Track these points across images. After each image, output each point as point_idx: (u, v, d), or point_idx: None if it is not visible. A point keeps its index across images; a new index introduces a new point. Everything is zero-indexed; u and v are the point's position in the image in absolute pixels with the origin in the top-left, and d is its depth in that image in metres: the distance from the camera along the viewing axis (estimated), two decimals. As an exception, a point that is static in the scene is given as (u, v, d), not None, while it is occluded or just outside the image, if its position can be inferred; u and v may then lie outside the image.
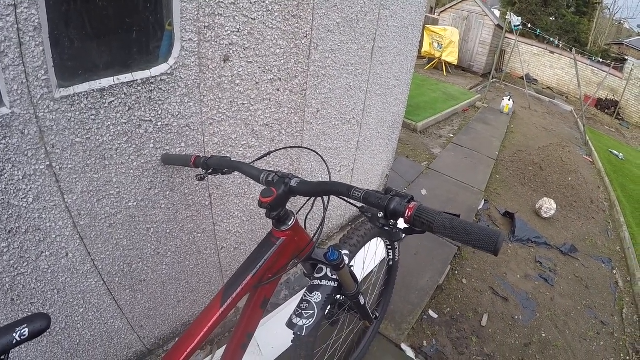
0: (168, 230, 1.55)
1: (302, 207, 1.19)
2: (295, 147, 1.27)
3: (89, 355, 1.54)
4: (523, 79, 10.85)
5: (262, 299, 1.12)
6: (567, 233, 3.91)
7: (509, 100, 7.65)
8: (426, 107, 6.33)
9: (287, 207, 1.06)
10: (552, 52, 13.55)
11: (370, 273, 2.23)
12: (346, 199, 0.89)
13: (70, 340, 1.45)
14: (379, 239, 1.73)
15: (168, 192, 1.47)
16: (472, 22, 11.98)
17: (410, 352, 2.15)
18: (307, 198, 1.08)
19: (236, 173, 1.67)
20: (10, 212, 1.09)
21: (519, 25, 9.71)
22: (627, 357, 2.59)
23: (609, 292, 3.21)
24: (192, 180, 1.53)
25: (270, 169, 1.06)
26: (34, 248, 1.19)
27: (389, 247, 1.82)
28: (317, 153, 1.21)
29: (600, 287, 3.23)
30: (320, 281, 1.20)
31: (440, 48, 10.76)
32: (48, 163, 1.12)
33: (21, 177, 1.07)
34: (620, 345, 2.66)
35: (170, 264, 1.64)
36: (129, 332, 1.66)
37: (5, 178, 1.04)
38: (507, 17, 9.43)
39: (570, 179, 4.92)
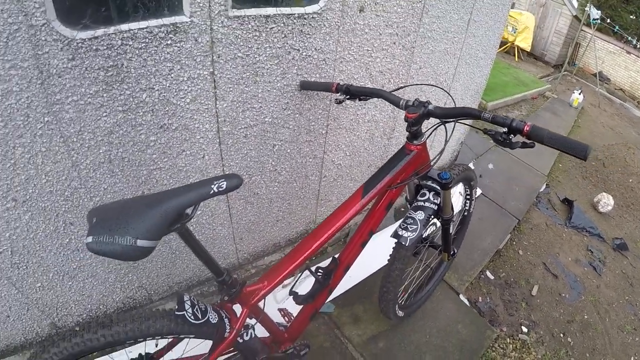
0: (288, 150, 1.76)
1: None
2: (426, 84, 1.53)
3: (189, 259, 1.74)
4: (595, 76, 10.37)
5: (388, 201, 1.34)
6: (620, 231, 3.90)
7: (580, 94, 7.42)
8: (496, 88, 6.26)
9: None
10: (628, 53, 12.73)
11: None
12: (476, 120, 1.11)
13: (179, 242, 1.60)
14: (462, 185, 1.90)
15: (297, 115, 1.67)
16: (549, 9, 11.42)
17: (466, 303, 2.35)
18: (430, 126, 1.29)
19: (357, 107, 1.87)
20: (167, 108, 1.28)
21: (597, 19, 9.19)
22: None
23: (651, 295, 3.24)
24: (317, 109, 1.73)
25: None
26: (177, 145, 1.38)
27: (468, 197, 1.98)
28: (445, 90, 1.40)
29: (644, 289, 3.27)
30: (424, 203, 1.41)
31: (515, 32, 10.39)
32: (211, 70, 1.30)
33: (185, 79, 1.26)
34: (653, 347, 2.73)
35: (282, 182, 1.86)
36: (230, 243, 1.87)
37: (172, 77, 1.23)
38: (586, 9, 8.94)
39: (631, 180, 4.84)
